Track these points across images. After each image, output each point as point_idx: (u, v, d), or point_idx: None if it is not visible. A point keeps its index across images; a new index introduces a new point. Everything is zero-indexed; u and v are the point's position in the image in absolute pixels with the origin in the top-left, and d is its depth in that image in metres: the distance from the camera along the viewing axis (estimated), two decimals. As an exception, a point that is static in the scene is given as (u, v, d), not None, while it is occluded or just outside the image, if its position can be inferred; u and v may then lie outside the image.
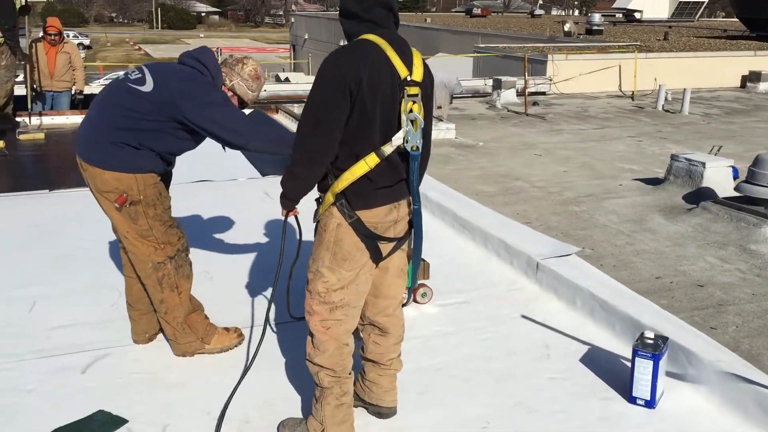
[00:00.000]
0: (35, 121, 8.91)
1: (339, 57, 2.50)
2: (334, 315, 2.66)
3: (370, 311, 2.87)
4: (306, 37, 42.33)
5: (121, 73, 3.33)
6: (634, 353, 3.19)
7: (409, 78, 2.53)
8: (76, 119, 9.04)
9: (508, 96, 15.38)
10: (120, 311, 3.76)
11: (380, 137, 2.52)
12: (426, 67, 2.66)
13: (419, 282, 4.13)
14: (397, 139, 2.53)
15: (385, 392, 3.00)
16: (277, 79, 32.76)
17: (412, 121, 2.54)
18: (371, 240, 2.61)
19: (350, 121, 2.48)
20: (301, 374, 3.18)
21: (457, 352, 3.63)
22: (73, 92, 9.40)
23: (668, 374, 3.33)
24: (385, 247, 2.68)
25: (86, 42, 63.80)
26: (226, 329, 3.53)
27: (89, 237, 4.97)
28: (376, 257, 2.68)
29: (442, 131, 11.22)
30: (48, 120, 9.01)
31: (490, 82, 16.11)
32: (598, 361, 3.55)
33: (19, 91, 9.03)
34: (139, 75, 3.09)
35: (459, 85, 11.52)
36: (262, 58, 47.23)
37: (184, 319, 3.32)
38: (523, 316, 4.03)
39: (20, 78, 9.47)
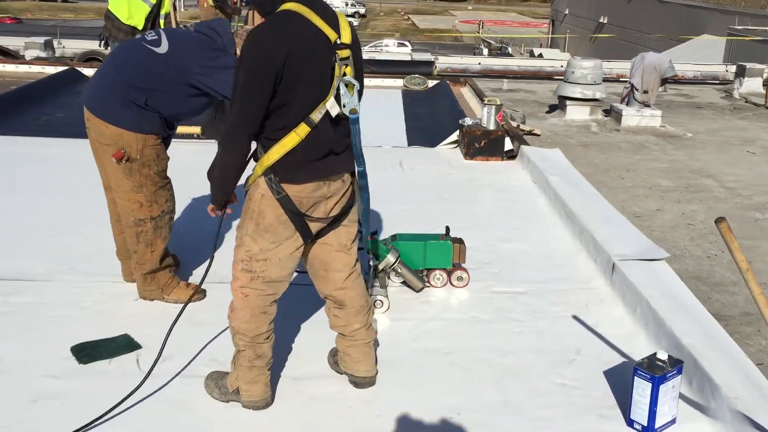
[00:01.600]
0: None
1: (262, 37, 2.44)
2: (253, 284, 2.68)
3: (323, 286, 2.89)
4: (566, 12, 41.04)
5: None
6: (634, 372, 2.86)
7: (339, 41, 2.47)
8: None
9: (751, 85, 13.80)
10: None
11: (312, 106, 2.49)
12: (352, 27, 2.58)
13: (455, 264, 4.01)
14: (332, 106, 2.49)
15: (356, 362, 3.02)
16: (531, 54, 32.31)
17: (346, 85, 2.48)
18: (297, 217, 2.60)
19: (279, 97, 2.44)
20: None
21: (476, 341, 3.50)
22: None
23: (690, 403, 2.95)
24: (313, 225, 2.66)
25: (362, 11, 67.76)
26: (187, 284, 3.71)
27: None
28: (304, 234, 2.65)
29: (645, 118, 10.43)
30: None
31: (733, 68, 14.54)
32: (622, 375, 3.22)
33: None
34: (156, 37, 3.31)
35: (672, 68, 10.57)
36: (522, 32, 46.69)
37: (150, 271, 3.57)
38: (574, 317, 3.74)
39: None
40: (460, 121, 6.61)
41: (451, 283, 4.01)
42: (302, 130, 2.50)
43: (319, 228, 2.70)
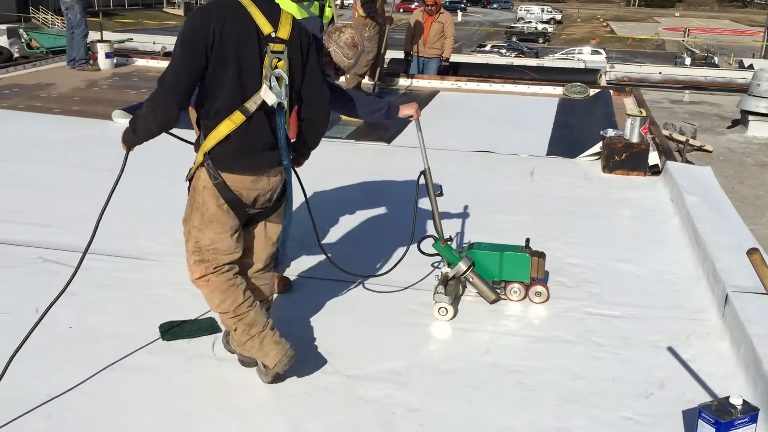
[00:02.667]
0: (404, 82, 9.98)
1: (198, 13, 2.67)
2: (209, 270, 2.85)
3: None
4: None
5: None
6: (698, 414, 2.59)
7: (273, 35, 2.61)
8: (435, 84, 9.87)
9: None
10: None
11: (244, 94, 2.64)
12: (300, 28, 2.70)
13: (533, 278, 3.83)
14: (266, 93, 2.61)
15: None
16: (740, 65, 29.87)
17: (277, 78, 2.61)
18: (237, 204, 2.75)
19: (210, 71, 2.60)
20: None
21: (549, 362, 3.32)
22: (440, 59, 10.24)
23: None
24: (251, 213, 2.85)
25: (558, 17, 66.19)
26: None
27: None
28: (243, 220, 2.84)
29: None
30: (415, 82, 10.00)
31: None
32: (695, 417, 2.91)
33: (396, 54, 10.20)
34: None
35: None
36: (734, 40, 43.19)
37: None
38: (669, 348, 3.44)
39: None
40: (602, 132, 6.29)
41: (530, 299, 3.84)
42: (237, 118, 2.65)
43: (253, 215, 2.87)
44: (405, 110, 3.57)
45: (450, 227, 4.83)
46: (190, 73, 2.63)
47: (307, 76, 2.82)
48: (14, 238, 4.41)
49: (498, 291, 3.82)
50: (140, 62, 11.25)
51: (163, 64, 11.23)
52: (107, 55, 10.55)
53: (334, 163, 6.13)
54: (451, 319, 3.65)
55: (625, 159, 6.02)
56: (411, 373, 3.21)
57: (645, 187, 5.82)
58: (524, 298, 3.84)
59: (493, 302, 3.77)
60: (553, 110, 8.36)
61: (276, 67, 2.67)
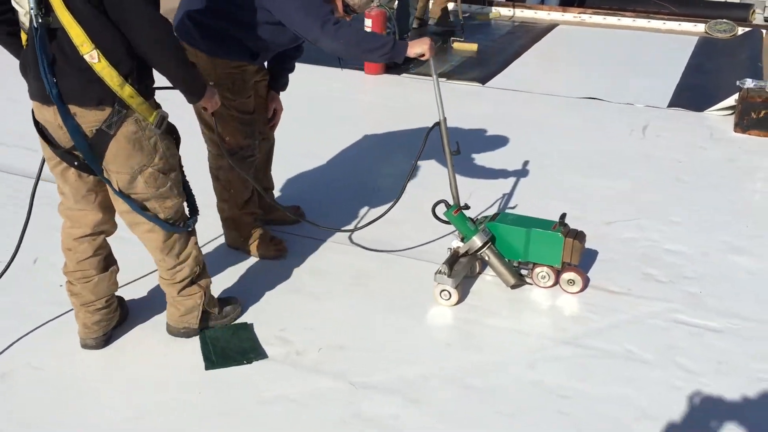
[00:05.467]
0: (506, 12, 8.90)
1: None
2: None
3: None
4: None
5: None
6: None
7: None
8: (555, 16, 8.78)
9: None
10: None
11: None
12: None
13: (566, 263, 3.08)
14: (16, 3, 2.18)
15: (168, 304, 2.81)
16: None
17: None
18: (43, 136, 2.40)
19: None
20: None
21: (610, 389, 2.59)
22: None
23: None
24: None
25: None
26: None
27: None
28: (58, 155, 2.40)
29: None
30: (524, 13, 8.91)
31: None
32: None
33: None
34: None
35: None
36: None
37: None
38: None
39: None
40: (738, 83, 5.18)
41: (561, 287, 3.11)
42: (24, 36, 2.28)
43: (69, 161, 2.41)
44: (415, 47, 2.82)
45: (524, 190, 4.08)
46: None
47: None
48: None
49: (523, 274, 3.13)
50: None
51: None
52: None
53: (413, 102, 5.45)
54: (456, 304, 3.03)
55: (765, 117, 4.93)
56: (428, 385, 2.59)
57: (786, 154, 4.74)
58: (554, 284, 3.13)
59: (513, 287, 3.11)
60: (689, 52, 7.13)
61: None
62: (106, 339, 2.77)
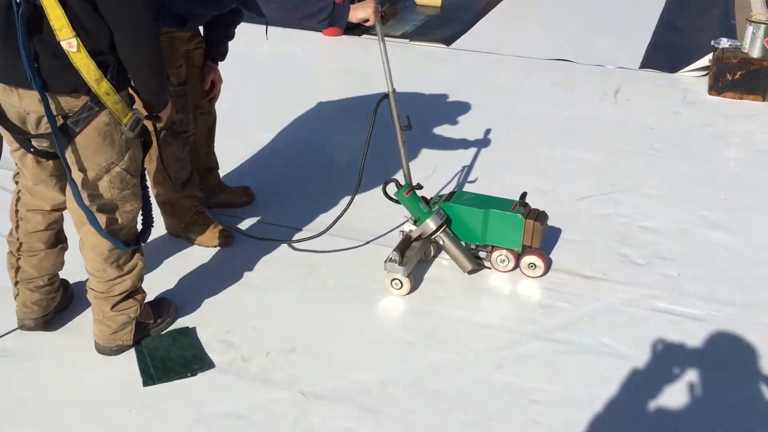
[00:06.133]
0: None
1: None
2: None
3: None
4: None
5: None
6: None
7: None
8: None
9: None
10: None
11: None
12: None
13: (526, 246, 2.86)
14: None
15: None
16: None
17: None
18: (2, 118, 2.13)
19: None
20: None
21: (585, 390, 2.37)
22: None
23: None
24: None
25: None
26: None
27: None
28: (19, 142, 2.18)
29: None
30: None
31: None
32: None
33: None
34: None
35: None
36: None
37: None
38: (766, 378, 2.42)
39: None
40: (713, 42, 4.94)
41: (522, 271, 2.90)
42: None
43: (41, 146, 2.18)
44: (357, 12, 2.52)
45: (490, 163, 3.82)
46: None
47: None
48: None
49: (480, 259, 2.91)
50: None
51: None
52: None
53: (374, 66, 5.11)
54: (407, 293, 2.80)
55: (740, 78, 4.71)
56: (387, 393, 2.35)
57: (763, 117, 4.53)
58: (515, 269, 2.91)
59: (470, 273, 2.87)
60: (660, 7, 6.88)
61: None
62: (45, 321, 2.54)
